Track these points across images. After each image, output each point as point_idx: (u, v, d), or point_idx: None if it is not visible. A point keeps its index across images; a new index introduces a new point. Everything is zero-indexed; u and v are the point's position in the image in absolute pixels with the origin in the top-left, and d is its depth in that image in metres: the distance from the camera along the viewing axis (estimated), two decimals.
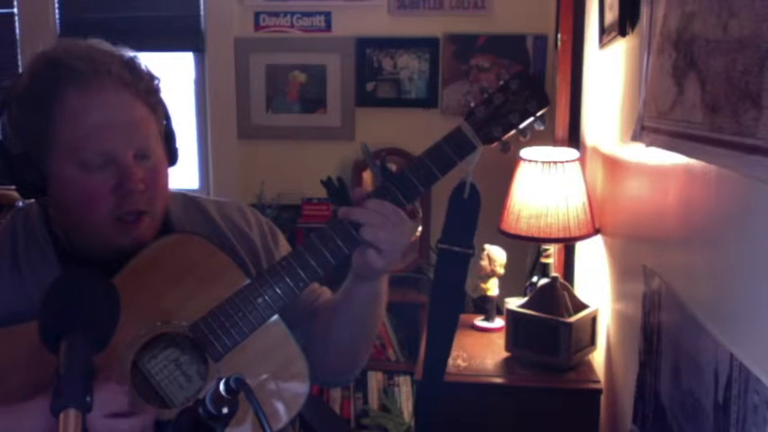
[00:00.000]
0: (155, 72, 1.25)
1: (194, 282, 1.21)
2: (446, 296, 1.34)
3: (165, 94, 1.27)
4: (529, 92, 1.22)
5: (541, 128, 1.25)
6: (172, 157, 1.29)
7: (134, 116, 1.19)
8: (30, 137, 1.17)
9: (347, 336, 1.31)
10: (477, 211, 1.27)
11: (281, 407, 1.21)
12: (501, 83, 1.23)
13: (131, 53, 1.23)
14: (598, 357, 2.09)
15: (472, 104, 1.23)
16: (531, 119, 1.23)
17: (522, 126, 1.23)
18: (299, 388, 1.23)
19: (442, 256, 1.31)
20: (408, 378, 3.11)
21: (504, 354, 2.13)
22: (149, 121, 1.21)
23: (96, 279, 0.97)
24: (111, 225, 1.18)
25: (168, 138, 1.28)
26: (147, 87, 1.22)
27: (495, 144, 1.24)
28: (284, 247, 1.40)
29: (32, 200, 1.28)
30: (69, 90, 1.15)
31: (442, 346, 1.39)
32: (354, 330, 1.30)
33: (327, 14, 3.24)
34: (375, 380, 3.16)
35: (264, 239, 1.38)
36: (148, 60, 1.26)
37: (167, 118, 1.28)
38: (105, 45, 1.22)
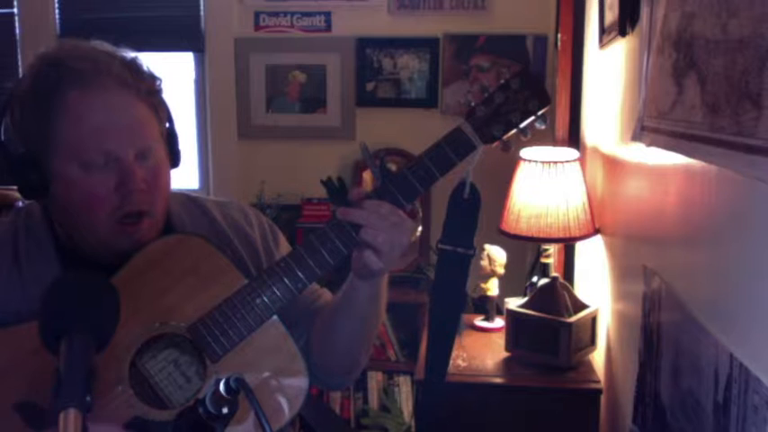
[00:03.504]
0: (156, 73, 1.25)
1: (194, 282, 1.21)
2: (447, 297, 1.34)
3: (166, 95, 1.27)
4: (529, 91, 1.21)
5: (543, 127, 1.24)
6: (174, 159, 1.28)
7: (136, 116, 1.19)
8: (32, 137, 1.17)
9: (347, 336, 1.30)
10: (477, 211, 1.27)
11: (280, 407, 1.21)
12: (501, 82, 1.22)
13: (133, 54, 1.23)
14: (598, 357, 2.09)
15: (472, 104, 1.22)
16: (532, 118, 1.22)
17: (522, 125, 1.22)
18: (298, 387, 1.23)
19: (442, 257, 1.30)
20: (408, 378, 3.11)
21: (504, 354, 2.13)
22: (151, 121, 1.22)
23: (96, 279, 0.97)
24: (112, 227, 1.18)
25: (171, 139, 1.28)
26: (148, 88, 1.22)
27: (496, 143, 1.23)
28: (285, 248, 1.40)
29: (31, 201, 1.28)
30: (71, 90, 1.15)
31: (443, 347, 1.38)
32: (354, 330, 1.30)
33: (327, 14, 3.24)
34: (375, 380, 3.16)
35: (265, 240, 1.38)
36: (149, 60, 1.26)
37: (170, 120, 1.28)
38: (107, 46, 1.23)
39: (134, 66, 1.21)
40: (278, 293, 1.18)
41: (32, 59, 1.21)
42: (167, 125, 1.27)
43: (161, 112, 1.25)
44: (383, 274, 1.24)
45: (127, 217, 1.19)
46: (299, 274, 1.18)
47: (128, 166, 1.17)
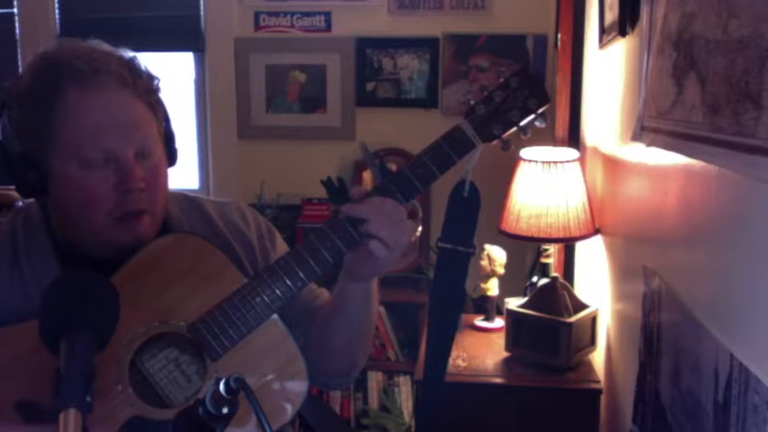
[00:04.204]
0: (154, 72, 1.25)
1: (193, 281, 1.21)
2: (447, 295, 1.34)
3: (165, 95, 1.27)
4: (529, 89, 1.21)
5: (543, 125, 1.24)
6: (171, 158, 1.29)
7: (134, 115, 1.19)
8: (30, 136, 1.18)
9: (342, 338, 1.30)
10: (477, 209, 1.27)
11: (280, 406, 1.21)
12: (501, 80, 1.22)
13: (131, 53, 1.24)
14: (598, 357, 2.09)
15: (472, 102, 1.22)
16: (532, 116, 1.22)
17: (522, 124, 1.22)
18: (299, 387, 1.23)
19: (442, 256, 1.30)
20: (408, 378, 3.11)
21: (504, 354, 2.13)
22: (149, 120, 1.22)
23: (95, 279, 0.97)
24: (111, 225, 1.18)
25: (168, 138, 1.28)
26: (146, 87, 1.22)
27: (495, 142, 1.23)
28: (281, 248, 1.40)
29: (30, 201, 1.28)
30: (70, 89, 1.15)
31: (442, 346, 1.38)
32: (349, 332, 1.30)
33: (327, 14, 3.24)
34: (375, 380, 3.16)
35: (261, 240, 1.38)
36: (148, 60, 1.26)
37: (167, 119, 1.28)
38: (105, 46, 1.23)
39: (132, 65, 1.21)
40: (278, 292, 1.18)
41: (31, 58, 1.21)
42: (164, 124, 1.28)
43: (159, 111, 1.25)
44: (378, 273, 1.24)
45: (126, 215, 1.19)
46: (299, 273, 1.18)
47: (127, 165, 1.17)
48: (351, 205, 1.17)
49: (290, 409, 1.22)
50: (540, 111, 1.22)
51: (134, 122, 1.19)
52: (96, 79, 1.16)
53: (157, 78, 1.25)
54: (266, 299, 1.18)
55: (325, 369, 1.33)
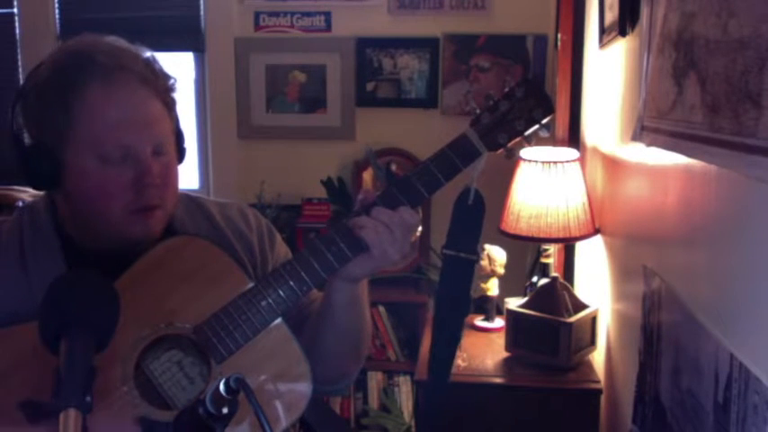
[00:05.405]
0: (170, 72, 1.27)
1: (198, 284, 1.21)
2: (451, 301, 1.34)
3: (179, 94, 1.29)
4: (534, 99, 1.22)
5: (546, 135, 1.25)
6: (180, 156, 1.31)
7: (153, 113, 1.21)
8: (47, 128, 1.18)
9: (329, 341, 1.30)
10: (481, 217, 1.27)
11: (283, 408, 1.21)
12: (507, 90, 1.23)
13: (150, 52, 1.25)
14: (598, 357, 2.09)
15: (477, 111, 1.23)
16: (537, 126, 1.23)
17: (527, 133, 1.23)
18: (302, 389, 1.22)
19: (447, 262, 1.30)
20: (408, 378, 3.12)
21: (504, 354, 2.13)
22: (166, 118, 1.24)
23: (95, 279, 0.97)
24: (125, 216, 1.19)
25: (178, 137, 1.29)
26: (164, 86, 1.24)
27: (500, 150, 1.24)
28: (280, 250, 1.41)
29: (34, 199, 1.28)
30: (92, 83, 1.16)
31: (447, 351, 1.38)
32: (337, 337, 1.30)
33: (327, 14, 3.25)
34: (375, 380, 3.16)
35: (262, 241, 1.39)
36: None
37: (178, 118, 1.30)
38: (124, 42, 1.24)
39: (152, 63, 1.23)
40: (283, 296, 1.19)
41: (52, 51, 1.22)
42: (176, 123, 1.29)
43: (173, 109, 1.27)
44: (369, 276, 1.25)
45: (141, 209, 1.20)
46: (305, 277, 1.19)
47: (145, 161, 1.18)
48: (359, 225, 1.17)
49: (293, 412, 1.21)
50: (544, 121, 1.23)
51: (153, 120, 1.20)
52: (119, 76, 1.17)
53: (174, 78, 1.27)
54: (271, 302, 1.19)
55: (317, 374, 1.32)
